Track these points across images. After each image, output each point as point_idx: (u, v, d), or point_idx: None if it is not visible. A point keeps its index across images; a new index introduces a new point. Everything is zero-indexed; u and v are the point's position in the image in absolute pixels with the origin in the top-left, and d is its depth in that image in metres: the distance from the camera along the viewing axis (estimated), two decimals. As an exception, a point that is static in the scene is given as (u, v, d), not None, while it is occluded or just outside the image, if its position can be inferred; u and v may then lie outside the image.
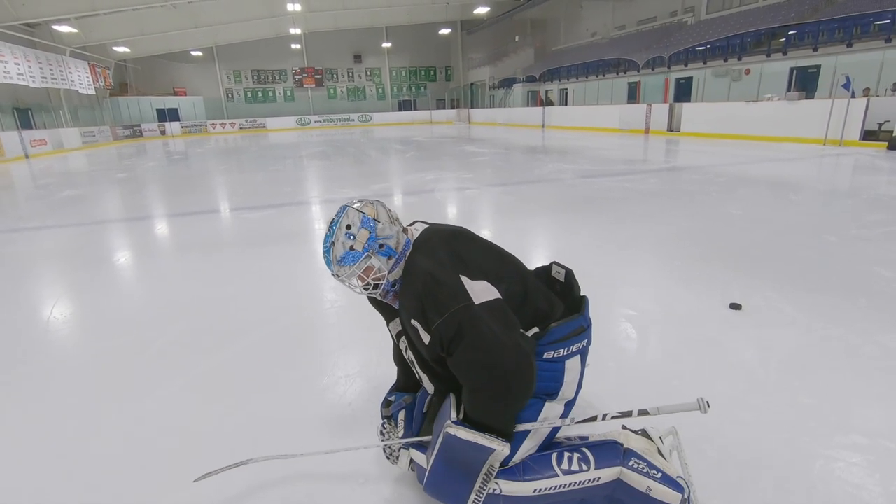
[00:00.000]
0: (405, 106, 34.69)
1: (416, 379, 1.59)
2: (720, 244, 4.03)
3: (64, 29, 19.57)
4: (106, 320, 3.04)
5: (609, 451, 1.33)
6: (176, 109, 30.16)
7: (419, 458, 1.43)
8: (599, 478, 1.29)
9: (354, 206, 1.38)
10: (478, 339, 1.22)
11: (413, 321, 1.33)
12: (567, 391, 1.40)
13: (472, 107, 31.69)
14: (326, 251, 1.36)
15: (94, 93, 23.97)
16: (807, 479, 1.52)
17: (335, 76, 33.72)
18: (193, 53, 29.76)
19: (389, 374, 2.21)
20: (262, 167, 11.31)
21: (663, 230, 4.52)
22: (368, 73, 34.20)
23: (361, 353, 2.47)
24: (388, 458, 1.55)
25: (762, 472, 1.54)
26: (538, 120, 22.41)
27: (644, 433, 1.45)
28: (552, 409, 1.38)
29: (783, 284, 3.06)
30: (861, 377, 2.05)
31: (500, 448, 1.23)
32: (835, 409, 1.84)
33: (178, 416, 1.99)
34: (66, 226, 5.84)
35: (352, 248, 1.33)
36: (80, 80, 22.11)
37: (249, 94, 32.91)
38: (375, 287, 1.39)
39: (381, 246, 1.35)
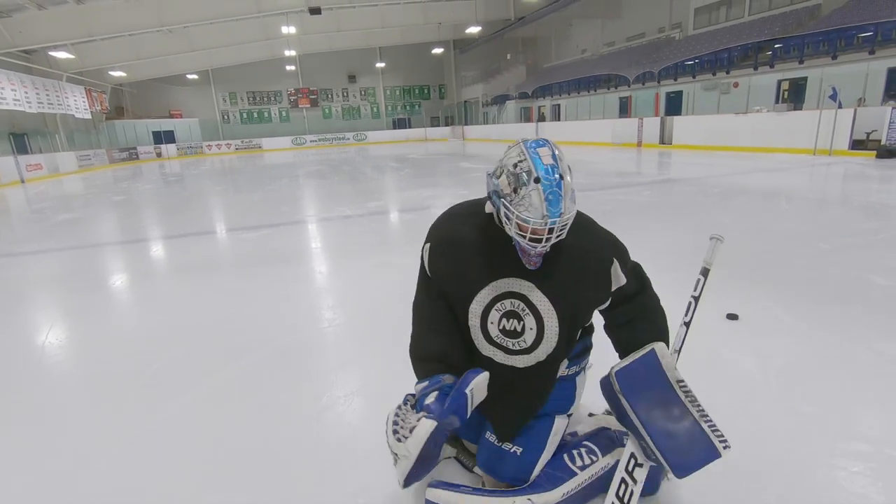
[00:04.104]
0: (400, 124, 35.02)
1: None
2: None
3: (60, 55, 19.77)
4: (102, 344, 3.02)
5: (607, 437, 1.49)
6: (172, 132, 30.33)
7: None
8: (609, 463, 1.42)
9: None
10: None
11: (616, 263, 1.34)
12: (574, 407, 1.54)
13: (466, 124, 32.02)
14: (558, 185, 1.08)
15: (90, 117, 24.10)
16: (810, 488, 1.51)
17: (330, 96, 34.09)
18: (189, 76, 30.05)
19: (389, 392, 2.19)
20: (258, 187, 11.35)
21: (657, 242, 4.55)
22: (363, 93, 34.59)
23: (360, 371, 2.46)
24: (395, 435, 1.19)
25: (765, 483, 1.54)
26: (531, 135, 22.60)
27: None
28: (561, 423, 1.48)
29: (779, 293, 3.07)
30: (861, 385, 2.05)
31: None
32: (836, 418, 1.84)
33: (176, 440, 1.97)
34: (62, 249, 5.83)
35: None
36: (77, 104, 22.26)
37: (245, 116, 33.19)
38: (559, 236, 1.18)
39: None
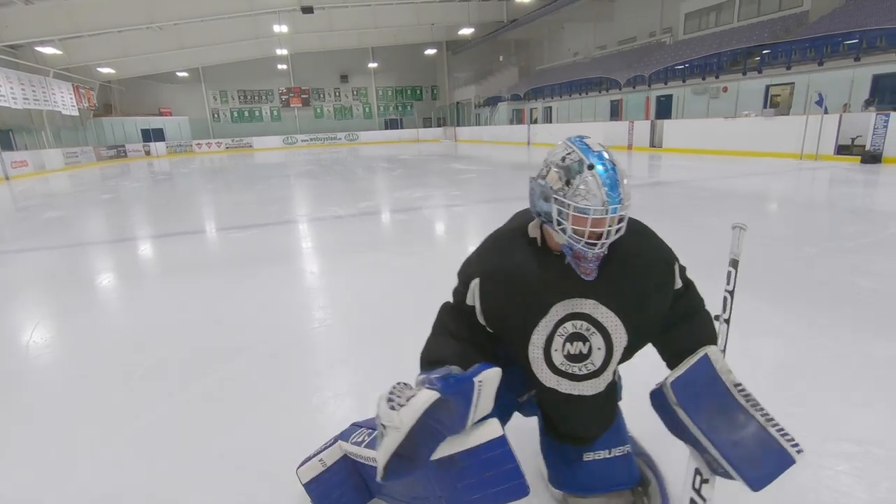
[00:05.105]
0: (392, 125, 34.97)
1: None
2: (704, 256, 4.08)
3: (48, 50, 19.47)
4: (89, 344, 2.98)
5: None
6: (161, 130, 30.04)
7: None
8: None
9: None
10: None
11: (677, 264, 1.28)
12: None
13: (458, 125, 32.07)
14: (613, 169, 1.03)
15: (77, 114, 23.77)
16: (798, 489, 1.52)
17: (322, 96, 33.94)
18: (179, 74, 29.76)
19: (379, 392, 2.18)
20: (248, 186, 11.27)
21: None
22: (355, 93, 34.49)
23: (350, 372, 2.45)
24: (388, 404, 1.05)
25: (754, 483, 1.55)
26: (523, 137, 22.73)
27: None
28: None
29: (767, 295, 3.11)
30: (848, 386, 2.08)
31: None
32: (824, 418, 1.87)
33: (166, 441, 1.94)
34: (47, 248, 5.73)
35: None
36: (64, 101, 21.95)
37: (236, 114, 32.93)
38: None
39: None
